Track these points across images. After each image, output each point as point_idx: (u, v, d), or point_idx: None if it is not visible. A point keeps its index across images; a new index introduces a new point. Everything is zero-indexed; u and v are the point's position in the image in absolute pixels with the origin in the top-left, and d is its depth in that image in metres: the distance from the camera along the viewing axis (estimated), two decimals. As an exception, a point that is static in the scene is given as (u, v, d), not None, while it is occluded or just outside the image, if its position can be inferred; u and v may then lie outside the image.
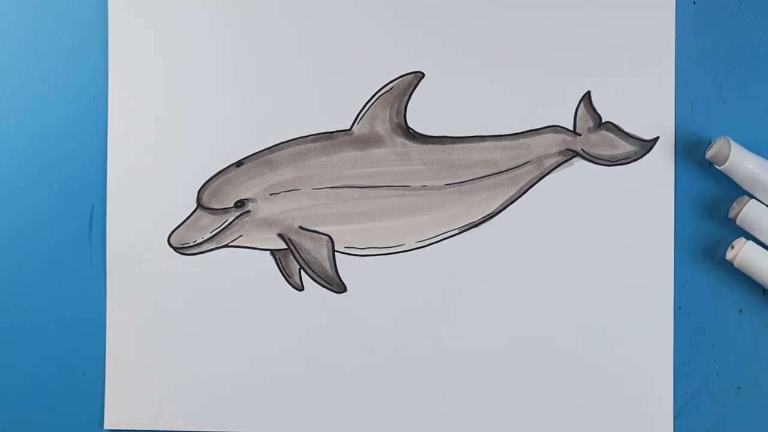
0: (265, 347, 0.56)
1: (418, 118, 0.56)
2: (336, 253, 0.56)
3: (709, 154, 0.54)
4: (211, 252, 0.56)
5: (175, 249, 0.56)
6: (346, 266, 0.56)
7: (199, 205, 0.56)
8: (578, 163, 0.56)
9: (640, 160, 0.55)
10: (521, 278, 0.55)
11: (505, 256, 0.56)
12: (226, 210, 0.56)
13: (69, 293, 0.57)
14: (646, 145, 0.55)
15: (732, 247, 0.54)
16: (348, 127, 0.56)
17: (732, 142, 0.53)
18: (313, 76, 0.56)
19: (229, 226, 0.56)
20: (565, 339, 0.55)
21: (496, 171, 0.56)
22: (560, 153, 0.56)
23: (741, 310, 0.55)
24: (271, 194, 0.56)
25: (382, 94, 0.56)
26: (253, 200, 0.56)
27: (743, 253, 0.53)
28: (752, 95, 0.55)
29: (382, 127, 0.56)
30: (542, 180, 0.56)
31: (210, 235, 0.56)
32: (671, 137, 0.55)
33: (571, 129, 0.56)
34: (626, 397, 0.55)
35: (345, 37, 0.56)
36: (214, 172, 0.56)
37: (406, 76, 0.56)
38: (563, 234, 0.55)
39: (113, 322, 0.57)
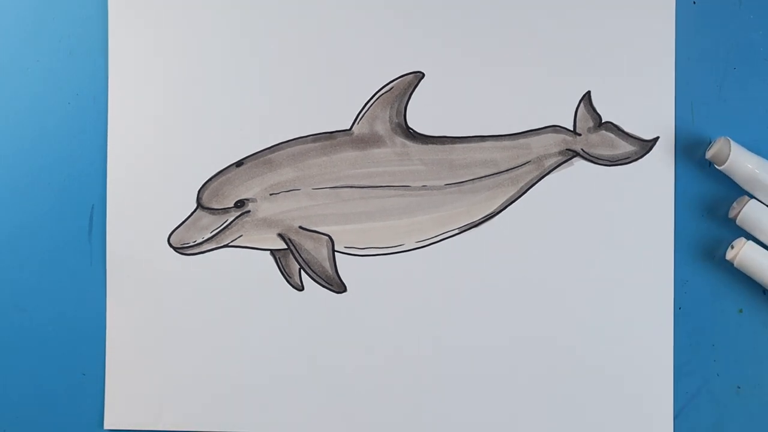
0: (265, 347, 0.56)
1: (418, 118, 0.56)
2: (336, 253, 0.56)
3: (709, 154, 0.54)
4: (211, 252, 0.56)
5: (175, 249, 0.56)
6: (346, 266, 0.56)
7: (199, 205, 0.56)
8: (578, 163, 0.56)
9: (640, 160, 0.55)
10: (521, 278, 0.55)
11: (505, 256, 0.56)
12: (226, 210, 0.56)
13: (69, 293, 0.57)
14: (646, 145, 0.55)
15: (732, 247, 0.54)
16: (348, 127, 0.56)
17: (732, 142, 0.53)
18: (313, 76, 0.56)
19: (229, 226, 0.56)
20: (565, 339, 0.55)
21: (496, 171, 0.56)
22: (560, 153, 0.56)
23: (741, 310, 0.55)
24: (271, 194, 0.56)
25: (382, 94, 0.56)
26: (253, 200, 0.56)
27: (743, 253, 0.53)
28: (752, 95, 0.55)
29: (382, 127, 0.56)
30: (542, 180, 0.56)
31: (210, 235, 0.56)
32: (671, 137, 0.55)
33: (571, 129, 0.56)
34: (626, 397, 0.55)
35: (345, 37, 0.56)
36: (214, 172, 0.56)
37: (406, 76, 0.56)
38: (563, 234, 0.55)
39: (113, 322, 0.57)
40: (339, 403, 0.56)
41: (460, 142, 0.56)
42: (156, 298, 0.56)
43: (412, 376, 0.56)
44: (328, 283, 0.56)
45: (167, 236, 0.56)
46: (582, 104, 0.56)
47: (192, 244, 0.56)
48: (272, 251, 0.56)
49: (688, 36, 0.55)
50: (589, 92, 0.55)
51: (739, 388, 0.56)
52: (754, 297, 0.55)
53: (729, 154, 0.52)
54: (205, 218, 0.56)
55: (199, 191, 0.56)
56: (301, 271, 0.56)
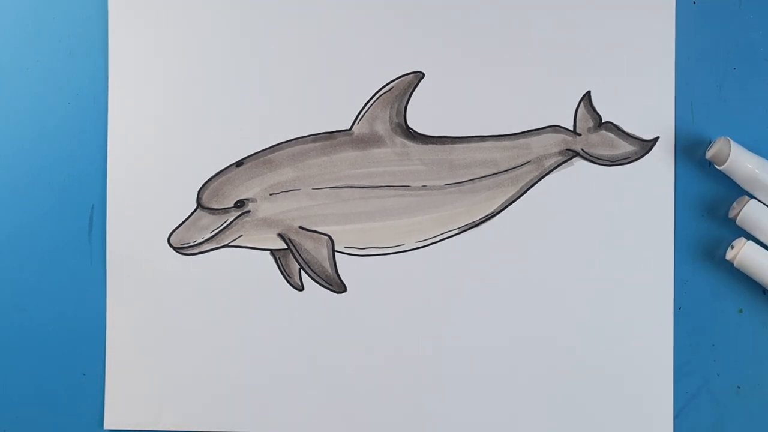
0: (265, 347, 0.56)
1: (418, 118, 0.56)
2: (336, 253, 0.56)
3: (709, 154, 0.54)
4: (211, 252, 0.56)
5: (175, 249, 0.56)
6: (346, 266, 0.56)
7: (199, 205, 0.56)
8: (578, 163, 0.56)
9: (640, 160, 0.55)
10: (521, 278, 0.55)
11: (505, 256, 0.56)
12: (226, 210, 0.56)
13: (69, 293, 0.57)
14: (646, 145, 0.55)
15: (732, 247, 0.54)
16: (348, 127, 0.56)
17: (732, 142, 0.53)
18: (313, 76, 0.56)
19: (229, 226, 0.56)
20: (565, 339, 0.55)
21: (496, 171, 0.56)
22: (560, 153, 0.56)
23: (741, 310, 0.55)
24: (271, 194, 0.56)
25: (382, 94, 0.56)
26: (253, 200, 0.56)
27: (743, 253, 0.53)
28: (752, 95, 0.55)
29: (382, 127, 0.56)
30: (542, 180, 0.56)
31: (210, 235, 0.56)
32: (671, 137, 0.55)
33: (571, 129, 0.56)
34: (626, 397, 0.55)
35: (345, 37, 0.56)
36: (214, 172, 0.56)
37: (406, 76, 0.56)
38: (563, 234, 0.55)
39: (113, 322, 0.57)
40: (339, 403, 0.56)
41: (460, 142, 0.56)
42: (156, 298, 0.56)
43: (412, 376, 0.56)
44: (328, 283, 0.56)
45: (167, 236, 0.56)
46: (582, 104, 0.56)
47: (192, 244, 0.56)
48: (272, 251, 0.56)
49: (688, 36, 0.55)
50: (589, 92, 0.55)
51: (739, 388, 0.56)
52: (754, 297, 0.55)
53: (729, 154, 0.52)
54: (205, 218, 0.56)
55: (199, 191, 0.56)
56: (301, 271, 0.56)
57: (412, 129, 0.56)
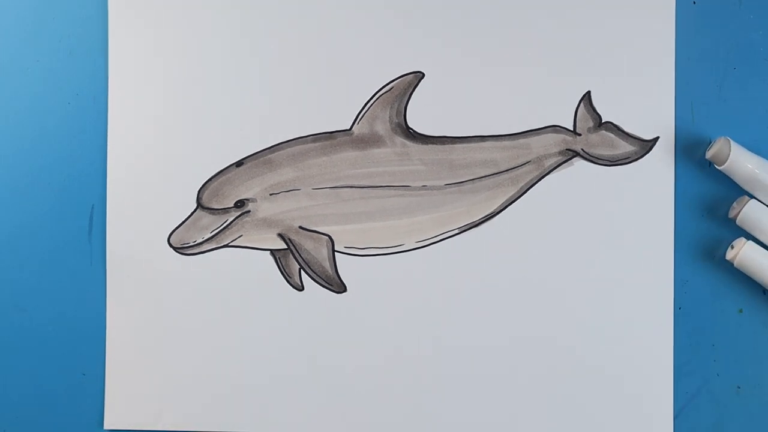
0: (265, 347, 0.56)
1: (418, 118, 0.56)
2: (336, 253, 0.56)
3: (709, 154, 0.54)
4: (211, 252, 0.56)
5: (175, 249, 0.56)
6: (346, 266, 0.56)
7: (199, 205, 0.56)
8: (578, 163, 0.56)
9: (640, 160, 0.55)
10: (521, 278, 0.55)
11: (505, 256, 0.56)
12: (226, 210, 0.56)
13: (69, 293, 0.57)
14: (646, 145, 0.55)
15: (732, 247, 0.54)
16: (348, 127, 0.56)
17: (732, 142, 0.53)
18: (313, 76, 0.56)
19: (229, 226, 0.56)
20: (565, 339, 0.55)
21: (496, 171, 0.56)
22: (560, 153, 0.56)
23: (741, 310, 0.55)
24: (271, 194, 0.56)
25: (382, 94, 0.56)
26: (253, 200, 0.56)
27: (743, 253, 0.53)
28: (752, 95, 0.55)
29: (382, 127, 0.56)
30: (542, 180, 0.56)
31: (210, 235, 0.56)
32: (671, 137, 0.55)
33: (571, 129, 0.56)
34: (626, 397, 0.55)
35: (345, 37, 0.56)
36: (214, 172, 0.56)
37: (406, 76, 0.56)
38: (563, 234, 0.55)
39: (113, 322, 0.57)
40: (339, 403, 0.56)
41: (460, 142, 0.56)
42: (156, 298, 0.56)
43: (412, 376, 0.56)
44: (328, 283, 0.56)
45: (167, 236, 0.56)
46: (582, 104, 0.56)
47: (192, 244, 0.56)
48: (272, 251, 0.56)
49: (688, 36, 0.55)
50: (589, 92, 0.55)
51: (739, 388, 0.56)
52: (754, 297, 0.55)
53: (729, 154, 0.52)
54: (205, 218, 0.56)
55: (199, 191, 0.56)
56: (301, 271, 0.56)
57: (412, 129, 0.56)
